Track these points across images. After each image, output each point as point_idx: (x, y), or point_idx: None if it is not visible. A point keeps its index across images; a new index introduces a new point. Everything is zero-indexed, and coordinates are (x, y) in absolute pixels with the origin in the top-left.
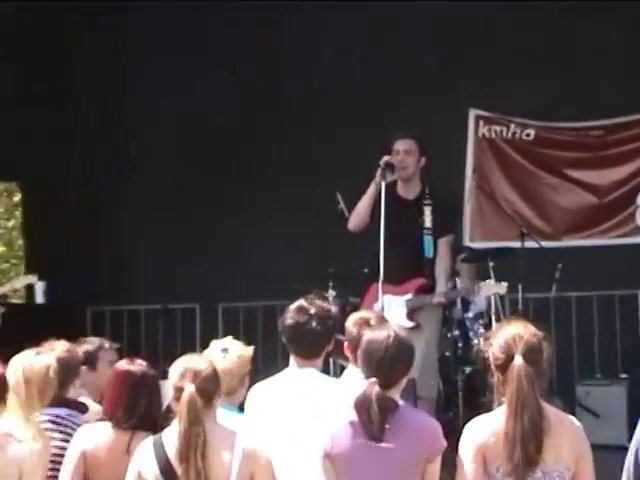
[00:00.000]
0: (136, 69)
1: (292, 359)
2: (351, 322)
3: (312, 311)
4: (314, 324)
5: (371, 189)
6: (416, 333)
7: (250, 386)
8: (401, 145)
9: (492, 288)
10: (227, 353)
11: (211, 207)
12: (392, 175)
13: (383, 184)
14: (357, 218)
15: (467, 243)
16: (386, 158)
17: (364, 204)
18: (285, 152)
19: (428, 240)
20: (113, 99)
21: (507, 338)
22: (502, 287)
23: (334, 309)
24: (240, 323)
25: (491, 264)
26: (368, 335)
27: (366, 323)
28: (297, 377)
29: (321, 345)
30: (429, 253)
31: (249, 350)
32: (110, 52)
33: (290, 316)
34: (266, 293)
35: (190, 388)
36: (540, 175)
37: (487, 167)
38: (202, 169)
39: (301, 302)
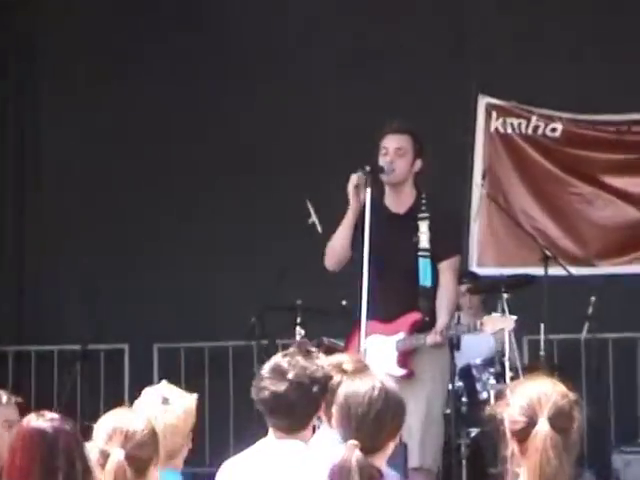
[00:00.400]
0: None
1: (271, 430)
2: None
3: (291, 375)
4: (296, 394)
5: (350, 214)
6: (410, 385)
7: (193, 442)
8: (391, 142)
9: (497, 322)
10: (168, 405)
11: (144, 230)
12: (385, 176)
13: (368, 193)
14: (335, 254)
15: (474, 269)
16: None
17: (343, 235)
18: (232, 159)
19: (425, 264)
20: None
21: (530, 398)
22: (509, 321)
23: (323, 368)
24: (181, 368)
25: (505, 296)
26: (347, 386)
27: (342, 370)
28: (277, 452)
29: (306, 417)
30: (426, 280)
31: (192, 399)
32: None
33: (264, 385)
34: (214, 332)
35: (118, 454)
36: (569, 182)
37: (501, 171)
38: (133, 188)
39: (278, 361)
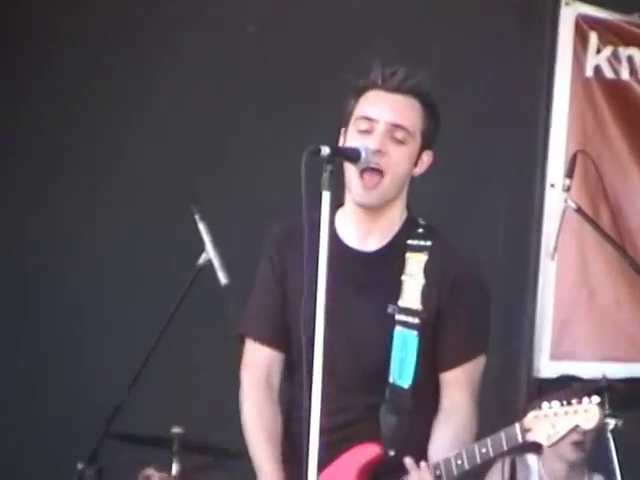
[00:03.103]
0: None
1: None
2: None
3: None
4: None
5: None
6: None
7: None
8: (384, 109)
9: (562, 421)
10: None
11: None
12: (358, 178)
13: (325, 203)
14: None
15: (540, 365)
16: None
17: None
18: None
19: (405, 341)
20: None
21: None
22: (592, 414)
23: None
24: None
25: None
26: None
27: None
28: None
29: None
30: (402, 377)
31: None
32: None
33: None
34: None
35: None
36: None
37: (605, 156)
38: None
39: None
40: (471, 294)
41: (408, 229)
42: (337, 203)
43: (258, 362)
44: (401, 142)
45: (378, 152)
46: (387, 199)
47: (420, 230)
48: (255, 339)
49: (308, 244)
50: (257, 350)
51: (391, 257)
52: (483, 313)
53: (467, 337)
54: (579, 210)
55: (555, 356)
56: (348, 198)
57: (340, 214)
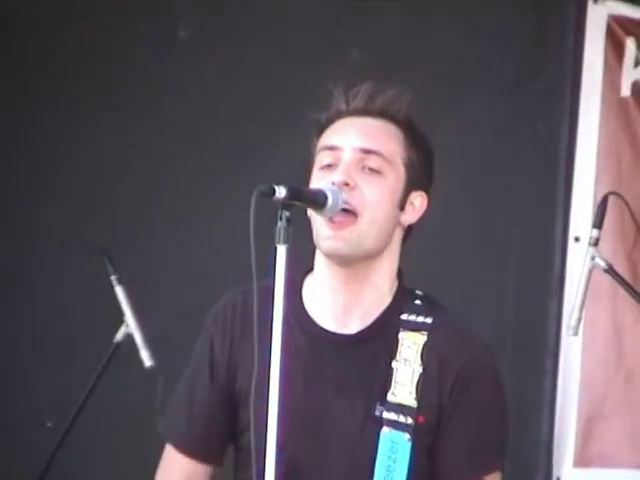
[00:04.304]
0: None
1: None
2: None
3: None
4: None
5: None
6: None
7: None
8: (350, 136)
9: None
10: None
11: None
12: (326, 229)
13: (281, 264)
14: None
15: (562, 474)
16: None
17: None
18: None
19: (394, 444)
20: None
21: None
22: None
23: None
24: None
25: None
26: None
27: None
28: None
29: None
30: None
31: None
32: None
33: None
34: None
35: None
36: None
37: None
38: None
39: None
40: (483, 390)
41: (401, 301)
42: (304, 270)
43: (175, 472)
44: (376, 172)
45: (345, 186)
46: (365, 249)
47: (417, 302)
48: (174, 445)
49: (259, 322)
50: (175, 458)
51: (379, 338)
52: (498, 415)
53: (477, 447)
54: (610, 270)
55: (581, 462)
56: (318, 260)
57: (309, 283)
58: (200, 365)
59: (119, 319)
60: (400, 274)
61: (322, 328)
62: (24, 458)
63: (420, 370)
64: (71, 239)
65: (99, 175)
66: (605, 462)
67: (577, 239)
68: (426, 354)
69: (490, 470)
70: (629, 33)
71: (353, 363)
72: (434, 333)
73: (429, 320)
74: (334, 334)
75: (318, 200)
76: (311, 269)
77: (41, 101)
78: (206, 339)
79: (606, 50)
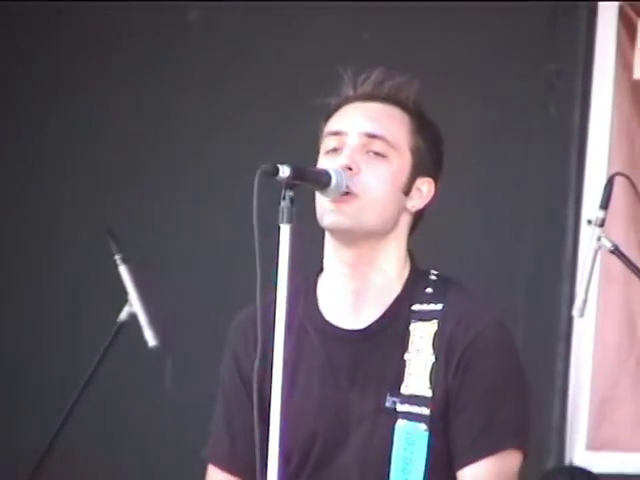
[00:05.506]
0: None
1: None
2: None
3: None
4: None
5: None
6: None
7: None
8: (355, 121)
9: None
10: None
11: None
12: (331, 212)
13: (285, 243)
14: None
15: (574, 457)
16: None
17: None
18: None
19: (410, 436)
20: None
21: None
22: None
23: None
24: None
25: None
26: None
27: None
28: None
29: None
30: None
31: None
32: None
33: None
34: None
35: None
36: None
37: None
38: None
39: None
40: (489, 367)
41: (413, 289)
42: (316, 271)
43: None
44: (380, 156)
45: (348, 170)
46: (366, 225)
47: (429, 290)
48: (217, 465)
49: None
50: (216, 476)
51: (390, 331)
52: (510, 392)
53: (489, 421)
54: (616, 250)
55: (593, 445)
56: (326, 249)
57: (321, 283)
58: (231, 382)
59: (125, 299)
60: (412, 258)
61: (334, 326)
62: (27, 439)
63: (433, 359)
64: (77, 219)
65: (108, 155)
66: (617, 446)
67: (590, 222)
68: (437, 342)
69: (501, 448)
70: None
71: (365, 358)
72: (444, 319)
73: (439, 307)
74: (345, 331)
75: (322, 180)
76: (322, 270)
77: (48, 84)
78: (230, 355)
79: (619, 32)
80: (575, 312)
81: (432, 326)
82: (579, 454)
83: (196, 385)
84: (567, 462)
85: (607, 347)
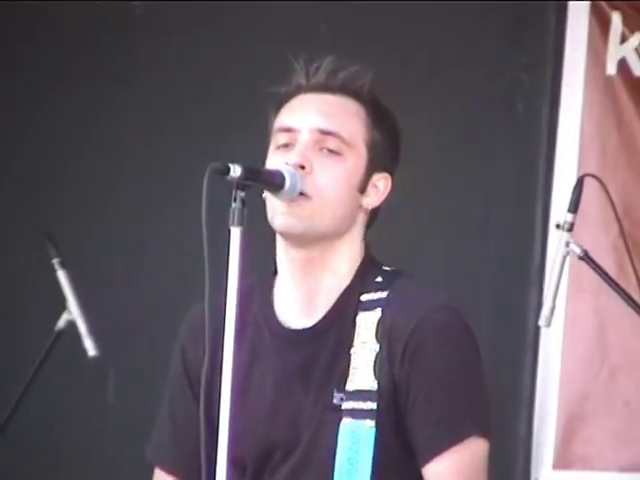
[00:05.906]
0: None
1: None
2: None
3: None
4: None
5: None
6: None
7: None
8: (307, 115)
9: None
10: None
11: None
12: (282, 215)
13: (235, 247)
14: None
15: (540, 477)
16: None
17: None
18: None
19: (354, 434)
20: None
21: None
22: None
23: None
24: None
25: None
26: None
27: None
28: None
29: None
30: None
31: None
32: None
33: None
34: None
35: None
36: None
37: (634, 184)
38: None
39: None
40: (437, 353)
41: (362, 280)
42: (271, 272)
43: None
44: (334, 153)
45: (300, 168)
46: (319, 229)
47: (378, 279)
48: (162, 468)
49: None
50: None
51: (338, 326)
52: (464, 376)
53: (445, 411)
54: (586, 257)
55: (561, 464)
56: (278, 251)
57: (277, 284)
58: (176, 379)
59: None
60: (367, 250)
61: (286, 328)
62: None
63: (377, 349)
64: (15, 220)
65: (48, 156)
66: (587, 464)
67: (558, 226)
68: (380, 331)
69: (462, 438)
70: (615, 7)
71: (315, 357)
72: (388, 307)
73: (384, 294)
74: (296, 331)
75: (275, 182)
76: (276, 271)
77: None
78: (178, 350)
79: (590, 25)
80: (542, 322)
81: (375, 315)
82: (546, 473)
83: (139, 398)
84: None
85: (576, 359)
